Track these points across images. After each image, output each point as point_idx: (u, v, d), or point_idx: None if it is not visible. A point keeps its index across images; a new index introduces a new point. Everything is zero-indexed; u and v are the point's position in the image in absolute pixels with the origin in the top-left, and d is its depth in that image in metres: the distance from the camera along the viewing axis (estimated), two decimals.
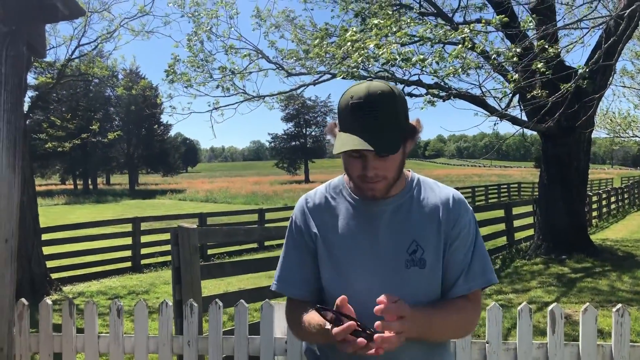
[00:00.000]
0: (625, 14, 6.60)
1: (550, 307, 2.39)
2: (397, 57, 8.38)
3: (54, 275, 10.84)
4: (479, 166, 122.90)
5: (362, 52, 8.32)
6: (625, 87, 23.78)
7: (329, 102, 76.82)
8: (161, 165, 67.07)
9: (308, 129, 79.54)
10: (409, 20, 9.99)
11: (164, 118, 61.17)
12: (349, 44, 8.42)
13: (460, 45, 7.89)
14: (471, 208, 1.57)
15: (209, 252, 14.37)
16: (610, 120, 24.73)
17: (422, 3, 12.88)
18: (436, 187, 1.57)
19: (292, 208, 21.84)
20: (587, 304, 2.32)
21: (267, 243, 15.23)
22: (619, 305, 2.36)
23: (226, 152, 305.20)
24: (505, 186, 36.35)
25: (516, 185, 37.53)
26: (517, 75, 8.33)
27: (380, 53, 8.24)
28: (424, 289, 1.45)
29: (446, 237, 1.48)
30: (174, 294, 4.94)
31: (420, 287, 1.44)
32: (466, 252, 1.50)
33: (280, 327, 2.49)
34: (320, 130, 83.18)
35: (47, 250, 11.07)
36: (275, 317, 2.43)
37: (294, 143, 78.89)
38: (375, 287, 1.40)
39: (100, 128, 44.07)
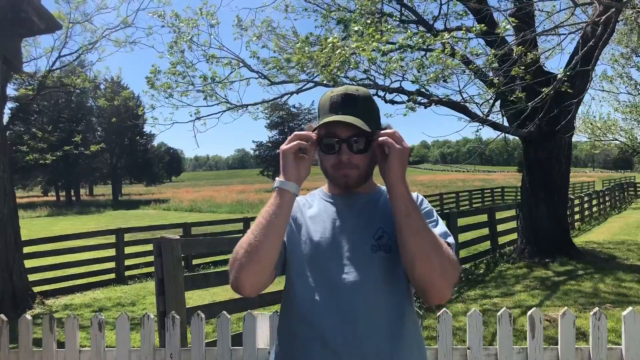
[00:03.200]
0: (601, 20, 6.71)
1: (529, 312, 2.41)
2: (378, 56, 8.45)
3: (37, 289, 10.71)
4: (463, 171, 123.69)
5: (343, 51, 8.36)
6: (605, 91, 24.16)
7: (312, 109, 76.70)
8: (145, 175, 66.60)
9: None
10: (389, 27, 10.07)
11: (147, 128, 60.76)
12: (330, 46, 8.46)
13: (439, 50, 7.97)
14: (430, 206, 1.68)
15: (194, 262, 14.29)
16: (591, 124, 25.08)
17: (402, 11, 13.00)
18: None
19: None
20: (565, 308, 2.35)
21: None
22: (596, 308, 2.39)
23: (210, 160, 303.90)
24: (489, 191, 36.61)
25: (499, 189, 37.81)
26: (497, 79, 8.43)
27: (361, 52, 8.29)
28: (389, 272, 1.51)
29: None
30: (157, 306, 4.91)
31: (387, 271, 1.51)
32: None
33: (263, 337, 2.49)
34: None
35: (29, 263, 10.93)
36: (258, 328, 2.43)
37: (278, 151, 78.78)
38: (345, 269, 1.50)
39: (83, 139, 43.78)
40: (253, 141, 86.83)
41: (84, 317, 9.07)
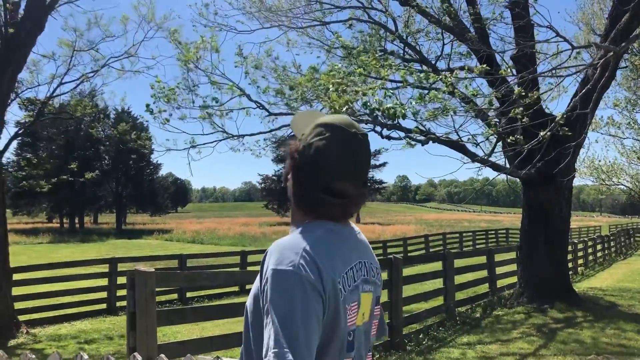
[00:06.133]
0: (599, 64, 6.63)
1: None
2: (380, 106, 8.38)
3: (25, 317, 10.53)
4: (470, 211, 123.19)
5: (347, 97, 8.30)
6: (610, 135, 24.11)
7: None
8: (150, 204, 66.58)
9: None
10: (392, 63, 10.07)
11: (154, 157, 61.01)
12: (334, 84, 8.42)
13: (436, 90, 7.91)
14: (273, 268, 1.29)
15: (189, 294, 14.06)
16: (595, 169, 24.94)
17: (405, 50, 13.05)
18: None
19: None
20: None
21: (248, 286, 14.89)
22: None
23: (217, 192, 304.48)
24: (493, 232, 36.25)
25: (504, 231, 37.43)
26: (495, 121, 8.34)
27: (364, 101, 8.23)
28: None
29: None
30: (128, 341, 4.72)
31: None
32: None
33: None
34: None
35: (18, 290, 10.78)
36: None
37: (284, 185, 78.71)
38: None
39: (90, 167, 43.99)
40: (259, 174, 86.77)
41: (67, 349, 8.86)
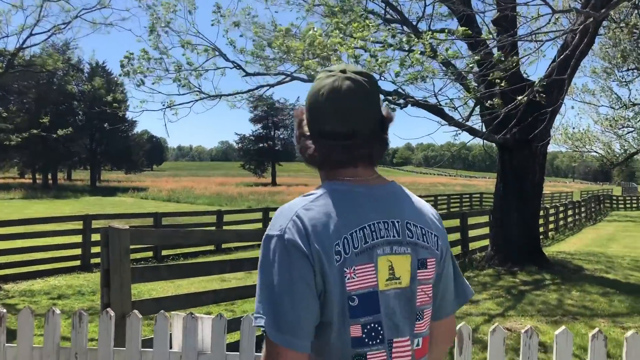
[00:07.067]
0: (578, 30, 6.63)
1: (458, 326, 2.26)
2: (362, 54, 8.31)
3: None
4: (446, 175, 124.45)
5: (321, 48, 8.19)
6: (586, 103, 24.35)
7: (297, 104, 76.14)
8: (125, 162, 65.76)
9: (277, 131, 79.05)
10: (372, 23, 9.93)
11: (129, 114, 59.88)
12: (308, 40, 8.29)
13: (417, 51, 7.84)
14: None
15: (164, 252, 14.04)
16: (569, 136, 25.27)
17: (387, 10, 12.87)
18: None
19: (254, 211, 21.29)
20: (496, 324, 2.21)
21: (224, 245, 14.94)
22: (528, 326, 2.26)
23: (194, 151, 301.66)
24: (468, 196, 36.73)
25: (479, 195, 37.96)
26: (473, 85, 8.34)
27: (343, 50, 8.15)
28: None
29: None
30: (102, 298, 4.70)
31: None
32: None
33: (178, 340, 2.32)
34: (289, 133, 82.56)
35: None
36: (175, 329, 2.26)
37: (261, 145, 78.23)
38: None
39: (64, 122, 43.03)
40: (236, 133, 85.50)
41: (40, 304, 8.82)
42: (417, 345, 1.38)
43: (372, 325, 1.30)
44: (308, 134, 1.40)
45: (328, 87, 1.37)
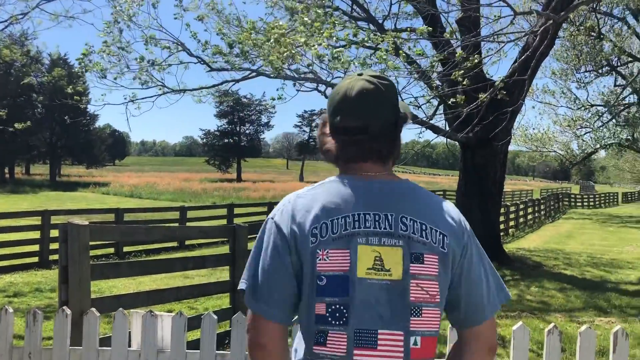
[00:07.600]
0: (539, 32, 6.78)
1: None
2: (326, 53, 8.30)
3: None
4: (409, 172, 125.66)
5: (287, 47, 8.15)
6: (546, 103, 24.91)
7: (264, 100, 75.45)
8: (86, 156, 64.25)
9: (242, 126, 78.53)
10: (337, 21, 9.92)
11: (90, 108, 58.51)
12: (275, 36, 8.23)
13: (383, 49, 7.89)
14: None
15: (126, 249, 13.80)
16: (528, 138, 25.83)
17: (353, 7, 12.91)
18: None
19: (219, 207, 21.03)
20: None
21: (187, 242, 14.78)
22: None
23: (157, 146, 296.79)
24: None
25: (442, 192, 38.48)
26: (436, 83, 8.44)
27: (307, 49, 8.13)
28: None
29: None
30: (59, 295, 4.60)
31: None
32: None
33: (137, 338, 2.28)
34: (255, 128, 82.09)
35: None
36: (134, 327, 2.22)
37: (227, 140, 77.61)
38: None
39: (22, 115, 41.73)
40: (200, 129, 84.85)
41: None
42: (415, 344, 1.37)
43: (337, 306, 1.36)
44: (327, 132, 1.52)
45: (344, 86, 1.48)
